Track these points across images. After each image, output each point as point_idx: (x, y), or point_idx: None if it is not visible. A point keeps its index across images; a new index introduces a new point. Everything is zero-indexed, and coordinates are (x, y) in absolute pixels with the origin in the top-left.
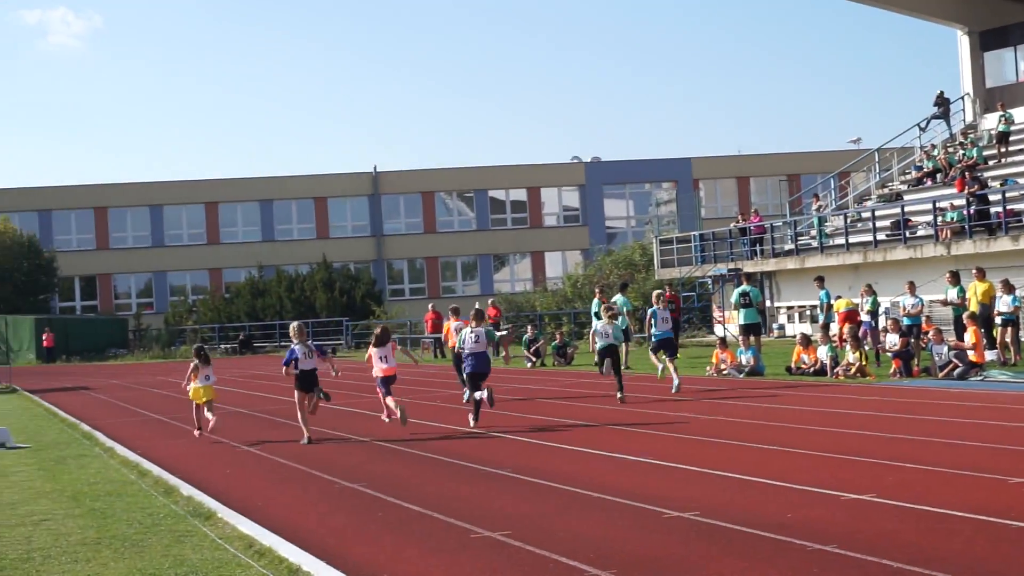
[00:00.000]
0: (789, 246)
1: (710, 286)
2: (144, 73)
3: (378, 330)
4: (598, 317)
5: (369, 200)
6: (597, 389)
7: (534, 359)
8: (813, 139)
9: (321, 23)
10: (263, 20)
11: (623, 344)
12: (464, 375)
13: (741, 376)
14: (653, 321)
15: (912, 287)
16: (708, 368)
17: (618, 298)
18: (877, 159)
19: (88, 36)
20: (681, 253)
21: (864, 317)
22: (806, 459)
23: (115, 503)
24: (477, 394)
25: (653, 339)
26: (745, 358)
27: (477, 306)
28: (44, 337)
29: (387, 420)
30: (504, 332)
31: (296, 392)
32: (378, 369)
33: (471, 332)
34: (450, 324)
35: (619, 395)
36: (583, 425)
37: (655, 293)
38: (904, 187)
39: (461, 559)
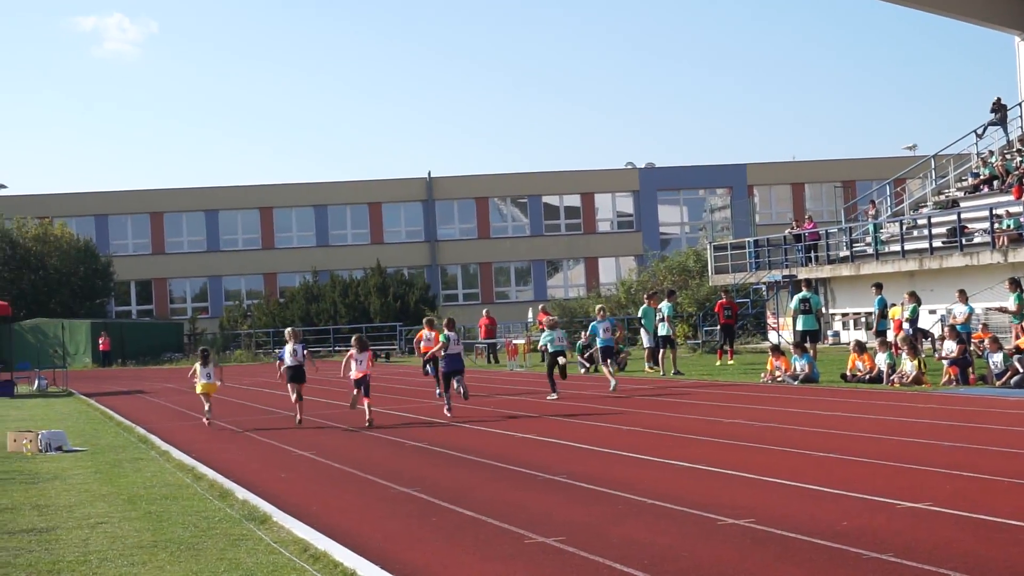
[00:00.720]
0: (844, 253)
1: (764, 292)
2: (198, 78)
3: (355, 337)
4: (646, 323)
5: (423, 205)
6: (650, 394)
7: (588, 365)
8: (868, 145)
9: (375, 28)
10: (316, 25)
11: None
12: (441, 373)
13: (796, 383)
14: (595, 333)
15: (963, 295)
16: (763, 375)
17: (664, 305)
18: (933, 166)
19: (144, 42)
20: (735, 259)
21: (903, 325)
22: (862, 467)
23: (171, 506)
24: (457, 387)
25: (599, 347)
26: (799, 365)
27: (447, 320)
28: (100, 341)
29: (352, 407)
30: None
31: (288, 383)
32: (355, 372)
33: (451, 336)
34: (423, 333)
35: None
36: (638, 431)
37: (598, 307)
38: (960, 194)
39: (515, 565)
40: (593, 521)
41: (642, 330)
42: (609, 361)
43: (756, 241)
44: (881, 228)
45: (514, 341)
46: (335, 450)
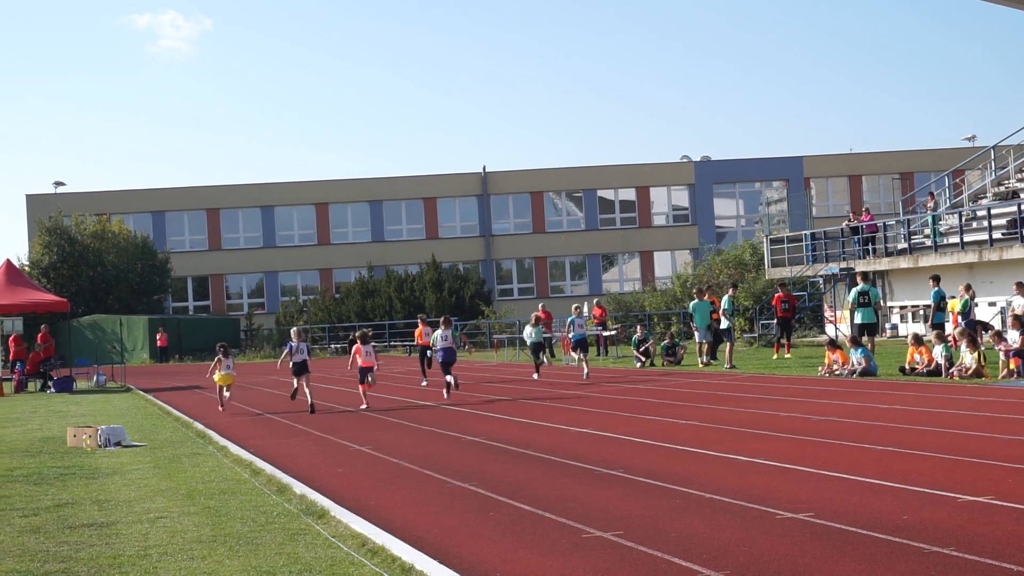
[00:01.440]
0: (902, 245)
1: (821, 285)
2: (254, 75)
3: (359, 332)
4: (698, 318)
5: (478, 200)
6: (708, 389)
7: (643, 359)
8: (926, 136)
9: (431, 23)
10: (372, 20)
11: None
12: (438, 364)
13: (854, 377)
14: (571, 326)
15: (1021, 288)
16: (820, 368)
17: (724, 298)
18: (993, 156)
19: (198, 39)
20: (792, 252)
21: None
22: (922, 460)
23: (229, 501)
24: (448, 378)
25: (571, 340)
26: (857, 358)
27: (443, 318)
28: (158, 337)
29: (364, 407)
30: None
31: (294, 377)
32: (360, 362)
33: (441, 333)
34: (421, 329)
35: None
36: (695, 425)
37: (574, 306)
38: (1021, 185)
39: (573, 559)
40: (651, 515)
41: (694, 325)
42: (580, 352)
43: (813, 234)
44: (940, 220)
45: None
46: (392, 445)
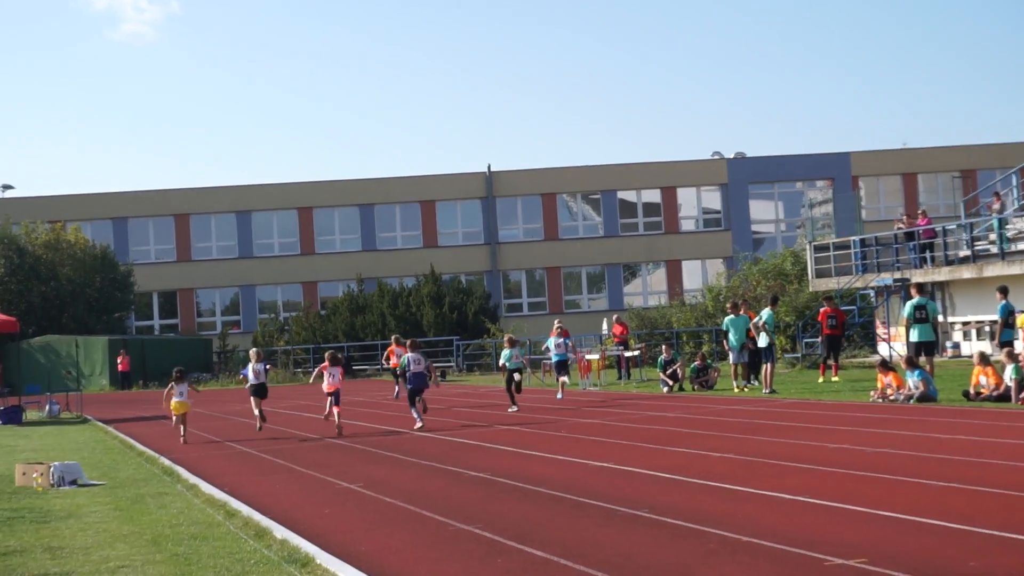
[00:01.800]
0: (964, 252)
1: (873, 299)
2: (227, 63)
3: (329, 353)
4: (734, 335)
5: (482, 204)
6: (745, 416)
7: (670, 383)
8: (990, 130)
9: (427, 5)
10: (358, 4)
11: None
12: (409, 390)
13: (910, 403)
14: (551, 347)
15: None
16: (872, 393)
17: (765, 312)
18: None
19: (163, 23)
20: (839, 261)
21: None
22: (990, 498)
23: (200, 547)
24: (414, 410)
25: (553, 362)
26: (913, 381)
27: (409, 341)
28: (119, 360)
29: (326, 419)
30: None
31: (251, 397)
32: (326, 385)
33: (412, 357)
34: (393, 349)
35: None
36: (731, 458)
37: (555, 323)
38: None
39: None
40: (681, 561)
41: (727, 344)
42: (562, 374)
43: (863, 240)
44: (1007, 224)
45: (587, 356)
46: (385, 482)
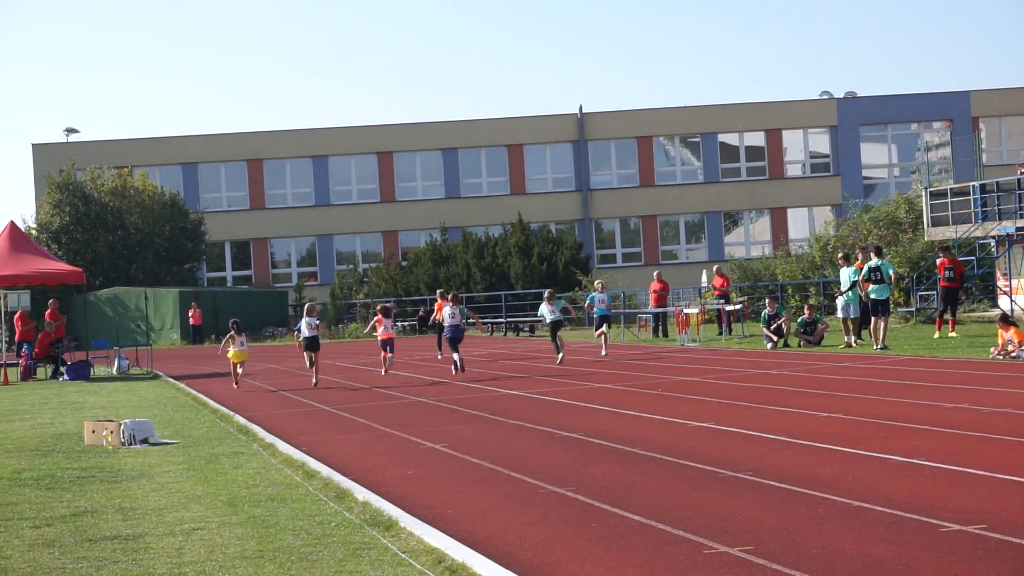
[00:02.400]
0: None
1: (993, 249)
2: (307, 4)
3: (381, 307)
4: (852, 286)
5: (573, 147)
6: (855, 374)
7: (775, 338)
8: None
9: None
10: None
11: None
12: (447, 339)
13: None
14: (592, 303)
15: None
16: (992, 350)
17: (881, 263)
18: None
19: None
20: (957, 208)
21: None
22: None
23: (278, 509)
24: (455, 356)
25: (596, 316)
26: None
27: (451, 295)
28: (190, 314)
29: (383, 373)
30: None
31: (304, 352)
32: (381, 334)
33: (449, 310)
34: (440, 303)
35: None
36: (840, 418)
37: (596, 281)
38: None
39: None
40: (787, 527)
41: (843, 298)
42: (604, 328)
43: (983, 186)
44: None
45: (685, 311)
46: (471, 442)
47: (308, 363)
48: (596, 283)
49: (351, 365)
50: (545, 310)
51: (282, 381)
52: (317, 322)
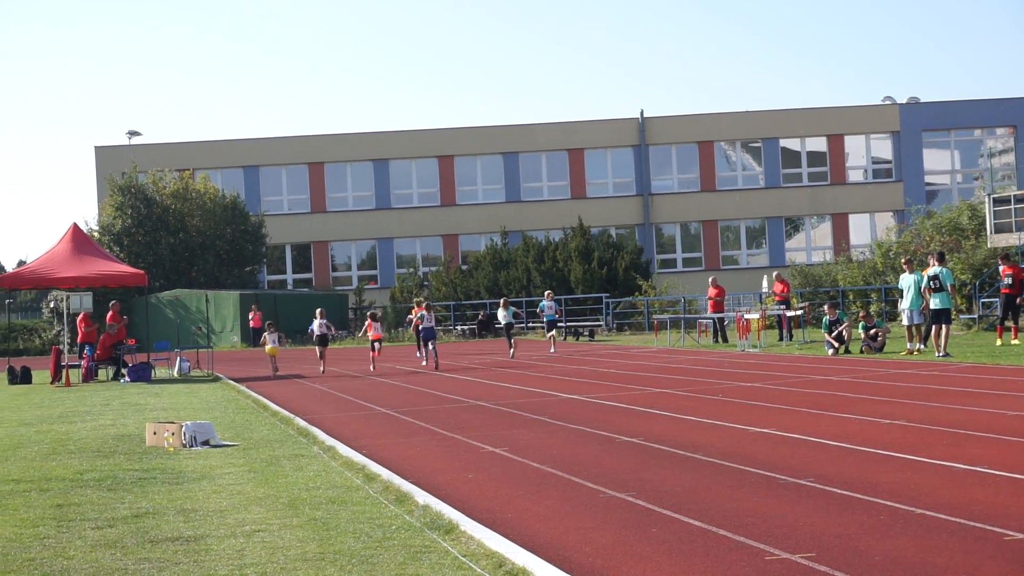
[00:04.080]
0: None
1: None
2: (360, 4)
3: (371, 313)
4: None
5: (634, 152)
6: (917, 381)
7: (836, 345)
8: None
9: None
10: None
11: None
12: (422, 338)
13: None
14: (543, 310)
15: None
16: None
17: (941, 270)
18: None
19: None
20: (1021, 215)
21: None
22: None
23: (339, 512)
24: (430, 348)
25: (545, 320)
26: None
27: (425, 303)
28: (251, 316)
29: (372, 369)
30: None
31: (316, 347)
32: (371, 335)
33: (425, 315)
34: (416, 309)
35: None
36: (902, 425)
37: (547, 292)
38: None
39: None
40: (849, 534)
41: (905, 303)
42: (554, 332)
43: None
44: None
45: (745, 316)
46: (532, 446)
47: (319, 355)
48: (546, 293)
49: (410, 368)
50: (500, 314)
51: (343, 384)
52: (328, 323)
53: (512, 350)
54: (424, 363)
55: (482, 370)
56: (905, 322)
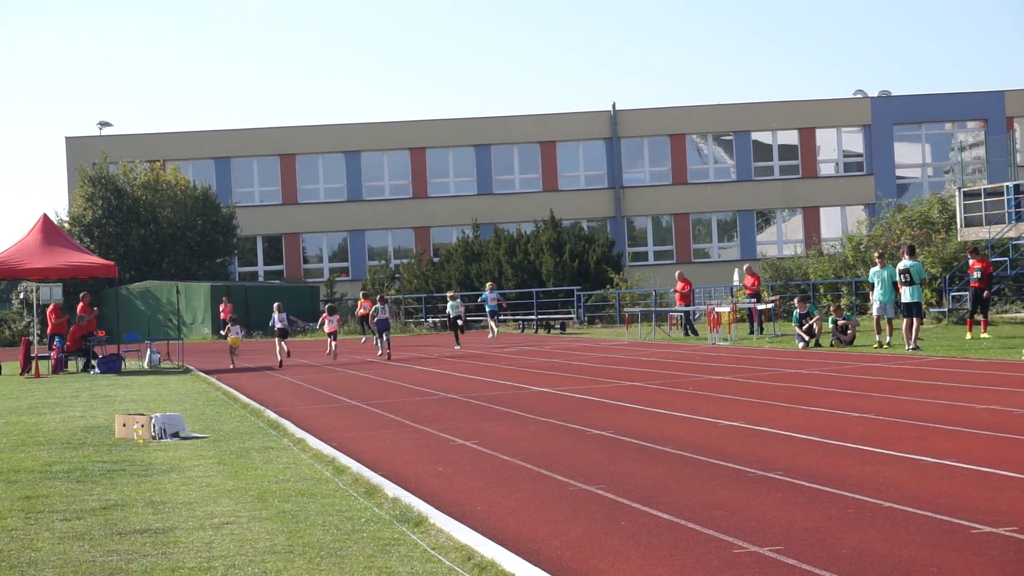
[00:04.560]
0: None
1: None
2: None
3: (329, 306)
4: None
5: (606, 145)
6: (887, 375)
7: (806, 338)
8: None
9: None
10: None
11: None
12: (376, 328)
13: None
14: (485, 300)
15: None
16: None
17: (911, 264)
18: None
19: None
20: (991, 209)
21: None
22: None
23: (308, 504)
24: (384, 339)
25: (488, 310)
26: None
27: (379, 296)
28: (221, 308)
29: (334, 358)
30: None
31: (276, 339)
32: (327, 327)
33: (380, 307)
34: (364, 302)
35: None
36: (871, 419)
37: (488, 283)
38: None
39: None
40: (817, 527)
41: (876, 296)
42: (492, 322)
43: (1017, 186)
44: None
45: (717, 309)
46: (502, 439)
47: (278, 348)
48: (488, 284)
49: (380, 361)
50: (449, 306)
51: (314, 376)
52: (288, 318)
53: (458, 345)
54: (379, 352)
55: (452, 363)
56: (875, 314)
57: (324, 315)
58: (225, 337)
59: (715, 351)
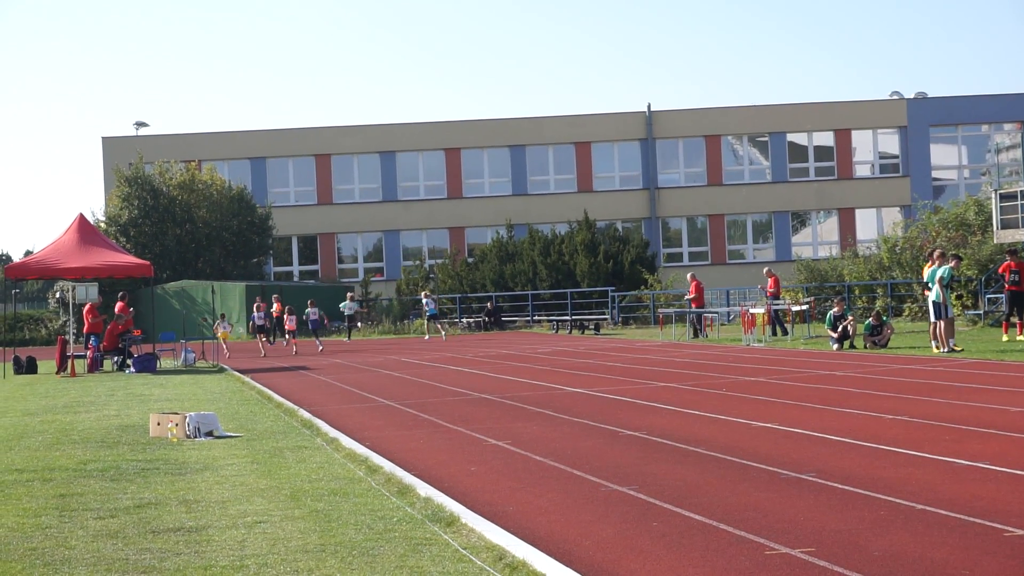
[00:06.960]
0: None
1: None
2: (376, 0)
3: (288, 307)
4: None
5: (641, 145)
6: (921, 377)
7: (841, 340)
8: None
9: None
10: None
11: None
12: (312, 329)
13: None
14: (426, 306)
15: None
16: None
17: (943, 269)
18: None
19: None
20: None
21: None
22: None
23: (340, 504)
24: (317, 342)
25: (428, 314)
26: None
27: (423, 295)
28: (256, 307)
29: (294, 352)
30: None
31: (257, 334)
32: (287, 325)
33: (311, 310)
34: (278, 306)
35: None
36: (905, 421)
37: (424, 291)
38: None
39: None
40: (849, 529)
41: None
42: (441, 323)
43: None
44: None
45: (751, 311)
46: (535, 439)
47: (260, 343)
48: (423, 292)
49: (416, 361)
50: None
51: (348, 376)
52: (267, 314)
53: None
54: (319, 348)
55: (487, 363)
56: (932, 319)
57: (286, 316)
58: (217, 331)
59: (749, 352)
